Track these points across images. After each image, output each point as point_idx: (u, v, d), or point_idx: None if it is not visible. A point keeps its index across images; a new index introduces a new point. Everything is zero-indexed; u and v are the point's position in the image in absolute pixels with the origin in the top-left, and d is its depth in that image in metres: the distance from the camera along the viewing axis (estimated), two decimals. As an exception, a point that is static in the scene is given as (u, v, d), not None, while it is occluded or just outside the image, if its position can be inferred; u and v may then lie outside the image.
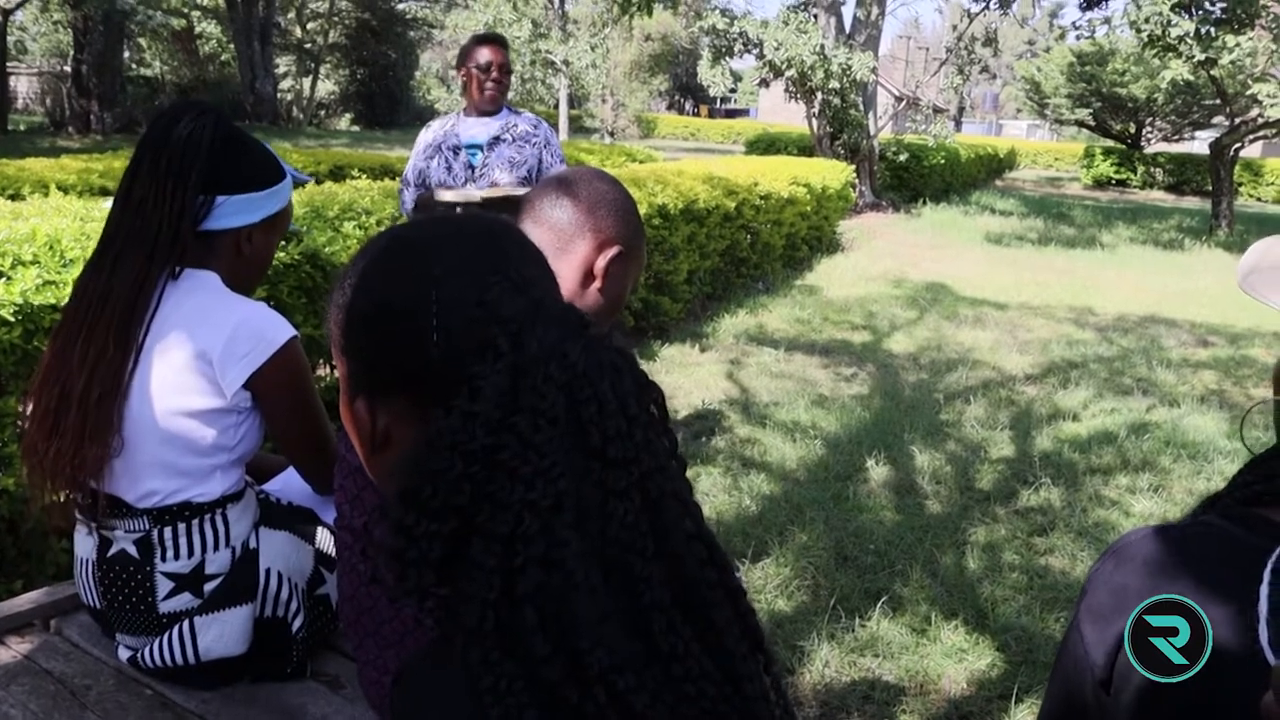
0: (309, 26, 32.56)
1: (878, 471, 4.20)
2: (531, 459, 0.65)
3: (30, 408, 1.56)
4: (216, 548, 1.58)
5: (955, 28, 16.14)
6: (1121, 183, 27.00)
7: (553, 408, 0.67)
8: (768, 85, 14.67)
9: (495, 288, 0.72)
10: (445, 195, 3.45)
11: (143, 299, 1.51)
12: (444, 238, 0.80)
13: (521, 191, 3.54)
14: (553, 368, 0.68)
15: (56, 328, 1.58)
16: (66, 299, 2.28)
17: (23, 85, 30.51)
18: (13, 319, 2.26)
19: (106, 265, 1.53)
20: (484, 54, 3.56)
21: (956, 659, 2.80)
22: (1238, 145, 15.00)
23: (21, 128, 23.70)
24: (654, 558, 0.69)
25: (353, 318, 0.78)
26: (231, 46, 29.30)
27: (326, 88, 34.12)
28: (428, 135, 3.70)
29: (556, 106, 29.11)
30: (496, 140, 3.58)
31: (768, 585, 3.13)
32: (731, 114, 54.64)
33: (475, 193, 3.44)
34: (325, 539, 1.71)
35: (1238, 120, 15.03)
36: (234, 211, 1.58)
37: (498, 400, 0.67)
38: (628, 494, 0.68)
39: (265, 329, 1.56)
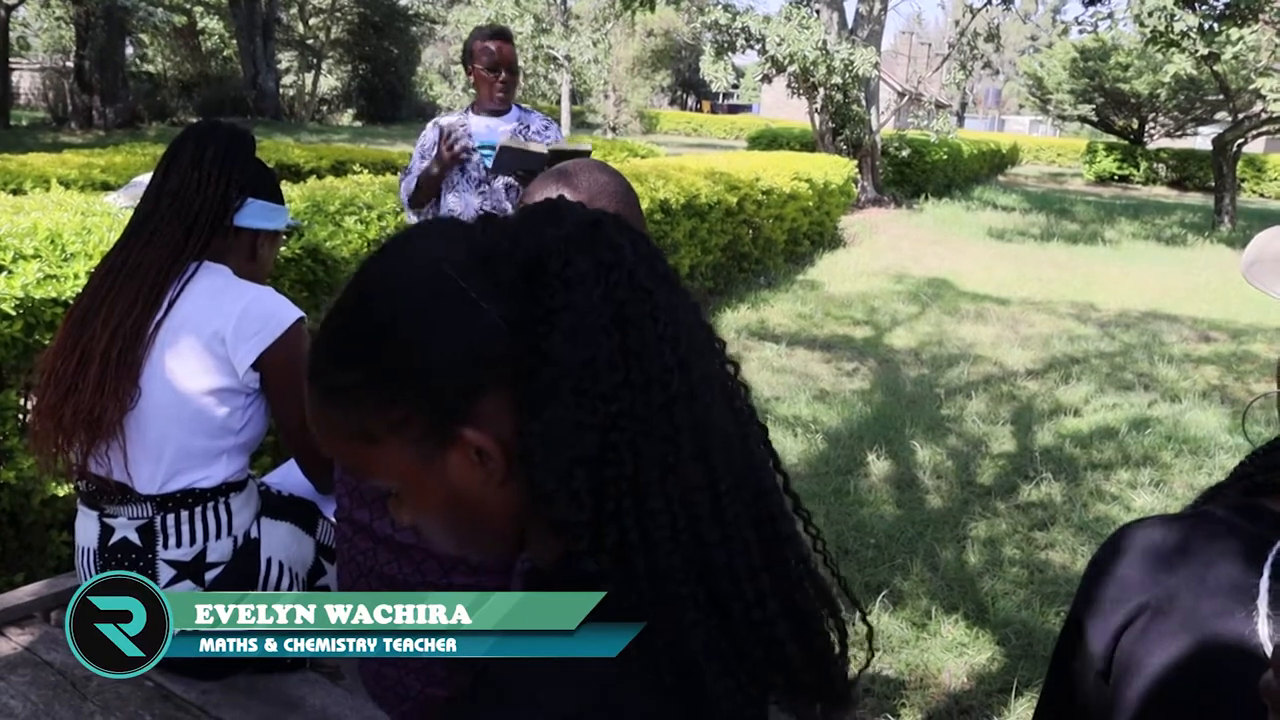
0: (311, 22, 32.52)
1: (878, 466, 4.20)
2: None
3: (43, 377, 1.59)
4: (218, 536, 1.59)
5: (958, 23, 16.10)
6: (1124, 178, 26.94)
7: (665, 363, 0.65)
8: (770, 81, 14.63)
9: (496, 232, 0.68)
10: (520, 144, 3.31)
11: (176, 269, 1.58)
12: (384, 251, 0.70)
13: (587, 146, 3.49)
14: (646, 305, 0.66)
15: (77, 299, 1.64)
16: (67, 292, 2.30)
17: (25, 81, 30.52)
18: (13, 313, 2.27)
19: (138, 244, 1.60)
20: (490, 54, 3.46)
21: (956, 653, 2.80)
22: (1241, 141, 14.96)
23: (24, 123, 23.71)
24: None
25: (386, 346, 0.65)
26: (234, 42, 29.29)
27: (329, 83, 34.09)
28: (435, 133, 3.65)
29: (559, 102, 29.06)
30: None
31: (768, 579, 3.13)
32: (734, 109, 54.57)
33: (545, 145, 3.34)
34: (326, 530, 1.72)
35: (1241, 116, 15.01)
36: (259, 214, 1.68)
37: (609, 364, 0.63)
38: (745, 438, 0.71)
39: (274, 310, 1.62)
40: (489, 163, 3.47)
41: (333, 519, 1.68)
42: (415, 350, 0.64)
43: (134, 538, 1.57)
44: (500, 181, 3.48)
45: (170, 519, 1.57)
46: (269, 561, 1.61)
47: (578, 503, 0.62)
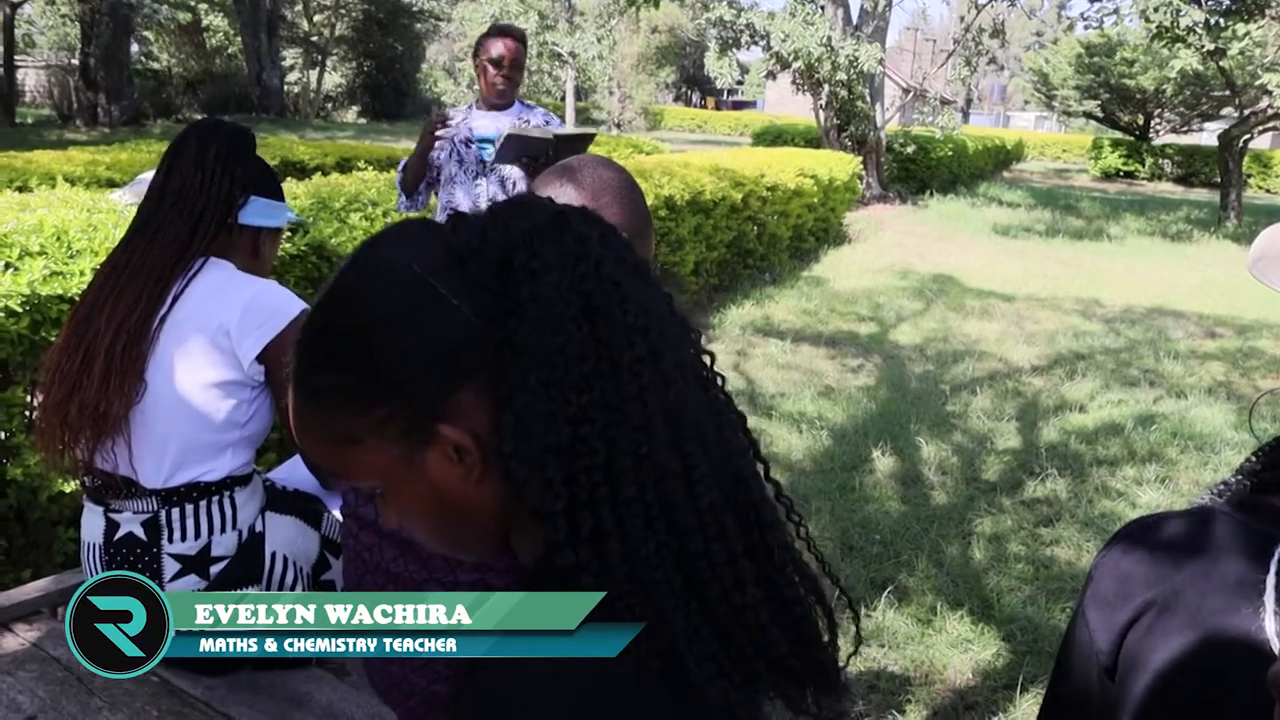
0: (315, 19, 32.51)
1: (883, 462, 4.19)
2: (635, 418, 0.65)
3: (48, 373, 1.59)
4: (223, 530, 1.59)
5: (963, 19, 16.06)
6: (1129, 174, 26.86)
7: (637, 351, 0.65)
8: (775, 77, 14.61)
9: (467, 228, 0.68)
10: (526, 131, 3.30)
11: (180, 266, 1.59)
12: (359, 254, 0.71)
13: (594, 130, 3.51)
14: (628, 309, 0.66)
15: (82, 296, 1.64)
16: (73, 289, 2.31)
17: (31, 79, 30.57)
18: (20, 310, 2.27)
19: (142, 242, 1.62)
20: (496, 47, 3.50)
21: (962, 649, 2.80)
22: (1246, 137, 14.91)
23: (29, 120, 23.75)
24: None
25: (372, 345, 0.65)
26: (238, 39, 29.30)
27: (333, 80, 34.08)
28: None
29: (563, 98, 29.08)
30: None
31: (773, 576, 3.13)
32: (739, 106, 54.52)
33: (549, 131, 3.34)
34: (331, 525, 1.73)
35: (1247, 111, 14.95)
36: (262, 212, 1.69)
37: (580, 358, 0.64)
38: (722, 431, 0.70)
39: (278, 302, 1.63)
40: (486, 157, 3.49)
41: (338, 514, 1.68)
42: (393, 350, 0.64)
43: (139, 532, 1.58)
44: (496, 176, 3.49)
45: (175, 513, 1.58)
46: (274, 556, 1.62)
47: (552, 493, 0.63)
